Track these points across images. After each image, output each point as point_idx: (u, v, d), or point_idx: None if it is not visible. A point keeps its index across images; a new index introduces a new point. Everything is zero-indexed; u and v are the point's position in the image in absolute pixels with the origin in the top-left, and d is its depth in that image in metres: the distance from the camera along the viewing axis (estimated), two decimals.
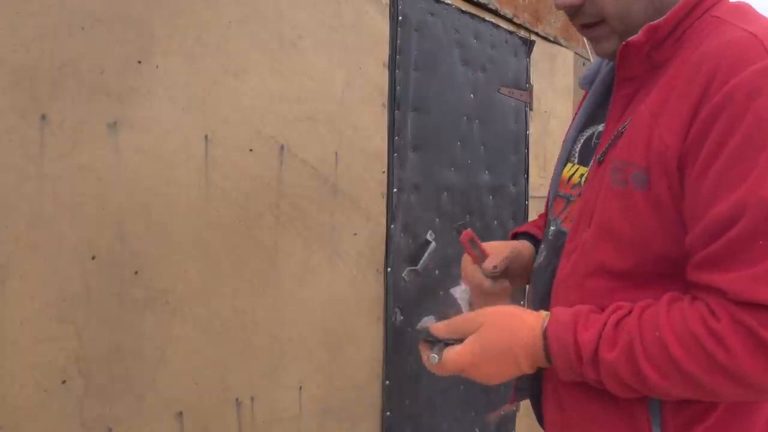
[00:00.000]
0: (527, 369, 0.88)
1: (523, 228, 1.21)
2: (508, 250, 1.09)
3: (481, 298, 1.06)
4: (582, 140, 1.03)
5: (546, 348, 0.86)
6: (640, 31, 0.86)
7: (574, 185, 0.99)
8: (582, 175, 0.98)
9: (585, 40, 3.14)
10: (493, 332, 0.88)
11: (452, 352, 0.88)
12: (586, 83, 1.09)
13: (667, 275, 0.84)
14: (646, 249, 0.84)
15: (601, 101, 1.02)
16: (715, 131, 0.76)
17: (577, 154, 1.03)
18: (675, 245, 0.82)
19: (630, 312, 0.83)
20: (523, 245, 1.14)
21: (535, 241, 1.15)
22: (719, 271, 0.76)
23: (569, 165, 1.03)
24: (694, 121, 0.78)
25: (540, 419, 1.04)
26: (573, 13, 0.91)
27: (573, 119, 1.09)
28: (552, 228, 1.03)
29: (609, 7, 0.88)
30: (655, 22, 0.85)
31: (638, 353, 0.79)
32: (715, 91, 0.76)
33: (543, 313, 0.89)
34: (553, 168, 1.12)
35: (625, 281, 0.86)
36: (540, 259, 1.04)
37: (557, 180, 1.06)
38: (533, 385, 1.02)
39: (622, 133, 0.87)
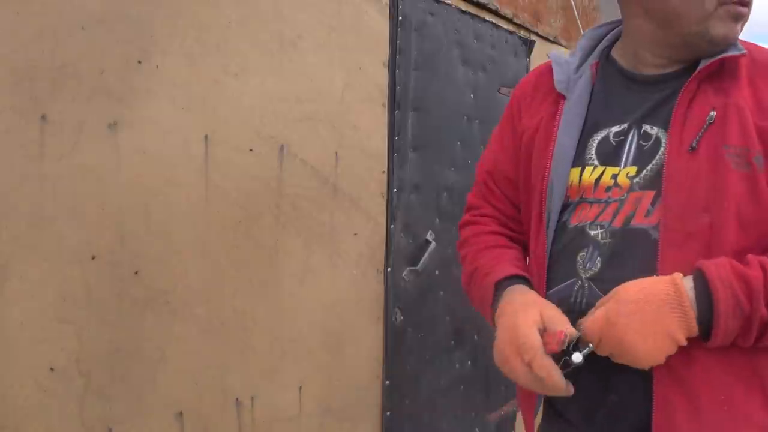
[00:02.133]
0: (679, 330, 0.85)
1: (509, 272, 1.06)
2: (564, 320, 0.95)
3: None
4: (595, 143, 1.02)
5: (698, 297, 0.85)
6: (743, 46, 0.96)
7: (609, 187, 0.98)
8: (615, 174, 0.98)
9: None
10: (627, 291, 0.87)
11: (589, 319, 0.89)
12: (564, 88, 1.08)
13: None
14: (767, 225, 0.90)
15: (600, 106, 1.04)
16: None
17: (594, 157, 1.01)
18: None
19: None
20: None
21: (525, 281, 1.05)
22: None
23: (588, 169, 1.01)
24: None
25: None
26: None
27: (554, 124, 1.06)
28: (596, 231, 0.98)
29: None
30: (746, 43, 0.99)
31: None
32: None
33: (678, 273, 0.88)
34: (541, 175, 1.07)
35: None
36: (595, 266, 0.97)
37: (564, 186, 1.02)
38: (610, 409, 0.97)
39: (711, 124, 0.93)
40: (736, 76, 0.96)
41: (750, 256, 0.87)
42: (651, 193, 0.94)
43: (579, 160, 1.03)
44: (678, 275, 0.87)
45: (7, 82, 1.26)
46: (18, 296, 1.28)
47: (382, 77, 2.12)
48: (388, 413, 2.15)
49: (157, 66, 1.49)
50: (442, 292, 2.37)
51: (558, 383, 0.88)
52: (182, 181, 1.55)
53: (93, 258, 1.39)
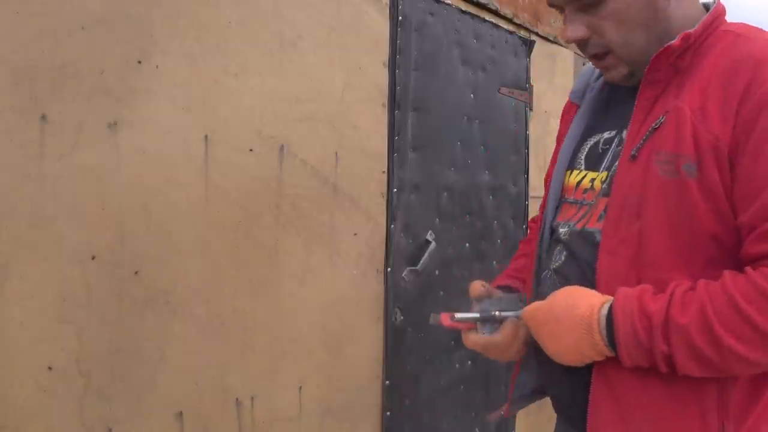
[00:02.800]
0: (587, 348, 0.90)
1: (497, 283, 1.21)
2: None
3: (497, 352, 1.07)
4: (586, 148, 1.08)
5: (607, 327, 0.88)
6: (677, 38, 0.93)
7: (586, 190, 1.04)
8: (593, 179, 1.03)
9: None
10: (560, 297, 0.94)
11: (531, 306, 0.97)
12: (577, 98, 1.16)
13: (717, 258, 0.90)
14: (700, 234, 0.89)
15: (600, 112, 1.11)
16: (761, 122, 0.86)
17: (582, 161, 1.08)
18: (724, 227, 0.89)
19: (693, 287, 0.87)
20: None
21: (509, 290, 1.16)
22: None
23: (575, 172, 1.08)
24: (739, 114, 0.87)
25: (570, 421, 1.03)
26: (582, 45, 0.99)
27: (566, 131, 1.15)
28: (564, 229, 1.05)
29: (612, 37, 0.96)
30: (689, 31, 0.94)
31: (712, 318, 0.83)
32: (756, 88, 0.86)
33: (608, 296, 0.92)
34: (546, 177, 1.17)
35: (682, 267, 0.90)
36: (560, 259, 1.05)
37: (559, 187, 1.10)
38: (570, 390, 1.01)
39: (656, 129, 0.93)
40: (699, 71, 0.93)
41: (672, 284, 0.88)
42: (605, 200, 0.99)
43: (571, 163, 1.10)
44: (604, 298, 0.91)
45: (7, 82, 1.26)
46: (18, 296, 1.28)
47: (382, 77, 2.12)
48: (388, 413, 2.15)
49: (157, 66, 1.50)
50: (442, 292, 2.37)
51: (475, 342, 1.05)
52: (182, 181, 1.55)
53: (93, 258, 1.39)
